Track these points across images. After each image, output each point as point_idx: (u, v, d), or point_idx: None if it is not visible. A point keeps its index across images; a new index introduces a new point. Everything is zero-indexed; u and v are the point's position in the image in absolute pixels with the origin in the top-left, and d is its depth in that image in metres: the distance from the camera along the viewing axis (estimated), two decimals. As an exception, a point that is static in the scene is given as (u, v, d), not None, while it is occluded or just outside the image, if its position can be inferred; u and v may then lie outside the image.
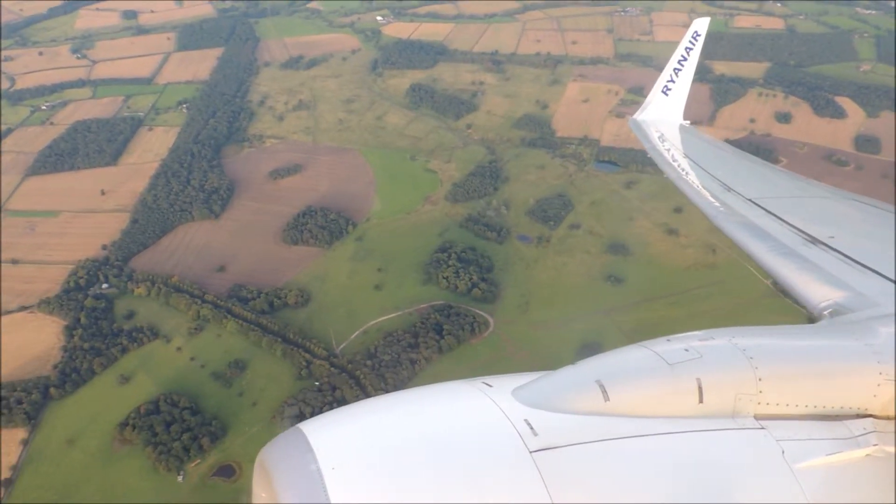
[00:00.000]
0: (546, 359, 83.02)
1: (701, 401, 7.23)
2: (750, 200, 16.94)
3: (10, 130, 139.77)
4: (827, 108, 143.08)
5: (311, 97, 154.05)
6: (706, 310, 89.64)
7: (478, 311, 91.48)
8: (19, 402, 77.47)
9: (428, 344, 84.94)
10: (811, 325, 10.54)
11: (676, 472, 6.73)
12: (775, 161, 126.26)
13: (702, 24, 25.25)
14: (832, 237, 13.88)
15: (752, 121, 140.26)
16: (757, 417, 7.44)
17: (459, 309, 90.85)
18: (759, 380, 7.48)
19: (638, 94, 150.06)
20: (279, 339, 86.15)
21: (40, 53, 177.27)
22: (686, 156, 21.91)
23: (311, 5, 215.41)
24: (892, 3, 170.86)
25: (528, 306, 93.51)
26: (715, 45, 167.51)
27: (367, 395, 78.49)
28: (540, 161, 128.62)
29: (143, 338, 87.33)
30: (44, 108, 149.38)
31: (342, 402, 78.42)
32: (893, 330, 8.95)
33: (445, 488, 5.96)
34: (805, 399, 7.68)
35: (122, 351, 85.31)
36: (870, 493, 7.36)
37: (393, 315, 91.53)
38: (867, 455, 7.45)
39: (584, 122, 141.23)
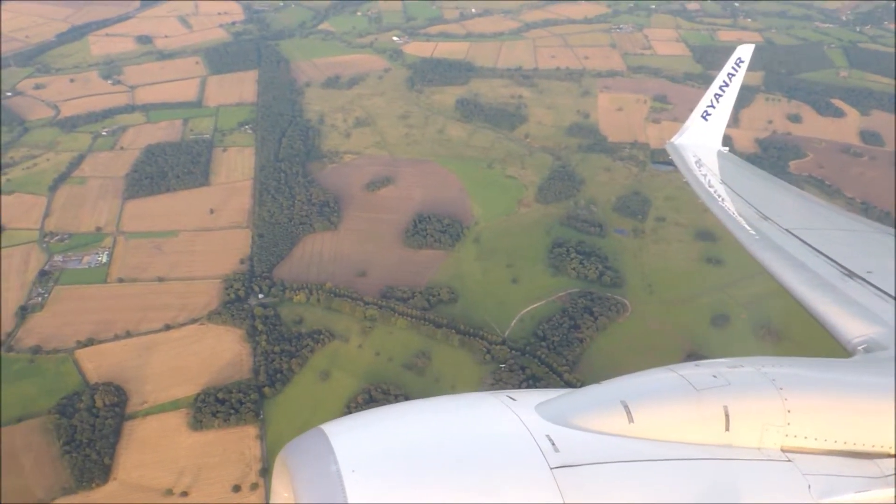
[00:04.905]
0: (687, 329, 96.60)
1: (727, 428, 7.12)
2: (786, 230, 16.69)
3: (81, 157, 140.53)
4: (828, 109, 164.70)
5: (365, 114, 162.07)
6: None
7: (611, 295, 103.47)
8: (241, 402, 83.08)
9: (586, 325, 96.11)
10: (844, 359, 10.43)
11: (698, 500, 6.55)
12: (802, 156, 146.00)
13: (745, 51, 24.35)
14: (870, 272, 13.59)
15: (770, 122, 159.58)
16: (784, 450, 7.28)
17: (599, 294, 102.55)
18: (788, 411, 7.34)
19: (662, 101, 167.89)
20: (452, 331, 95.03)
21: (71, 80, 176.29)
22: (723, 182, 21.72)
23: (322, 27, 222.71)
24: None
25: (651, 288, 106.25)
26: (712, 56, 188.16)
27: (555, 372, 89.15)
28: (603, 164, 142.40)
29: (324, 338, 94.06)
30: (104, 133, 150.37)
31: (535, 379, 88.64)
32: None
33: (463, 498, 5.97)
34: (834, 434, 7.49)
35: (310, 351, 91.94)
36: None
37: (538, 304, 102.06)
38: None
39: (627, 128, 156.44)
